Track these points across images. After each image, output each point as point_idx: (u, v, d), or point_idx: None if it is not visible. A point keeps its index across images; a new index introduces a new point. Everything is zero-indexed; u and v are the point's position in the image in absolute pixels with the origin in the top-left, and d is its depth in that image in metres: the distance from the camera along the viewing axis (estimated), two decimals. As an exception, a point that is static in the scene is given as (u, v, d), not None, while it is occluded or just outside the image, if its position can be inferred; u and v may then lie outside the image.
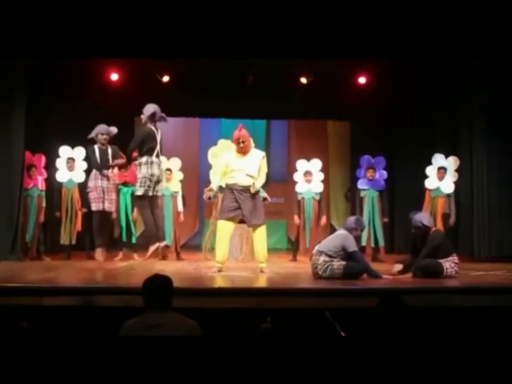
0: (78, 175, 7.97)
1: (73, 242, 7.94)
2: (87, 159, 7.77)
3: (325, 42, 4.99)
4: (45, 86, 8.36)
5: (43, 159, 7.99)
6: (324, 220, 8.20)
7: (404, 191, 8.94)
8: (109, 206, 7.43)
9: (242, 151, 6.09)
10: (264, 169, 6.23)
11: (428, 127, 9.31)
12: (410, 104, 9.45)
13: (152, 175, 6.74)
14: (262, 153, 6.26)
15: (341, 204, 10.73)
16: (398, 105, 9.63)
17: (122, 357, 2.56)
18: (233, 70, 8.82)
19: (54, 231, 8.20)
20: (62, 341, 2.66)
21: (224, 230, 6.11)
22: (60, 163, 7.97)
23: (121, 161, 7.59)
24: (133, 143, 6.89)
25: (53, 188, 8.07)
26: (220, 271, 6.05)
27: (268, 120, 11.18)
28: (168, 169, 7.95)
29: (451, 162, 8.07)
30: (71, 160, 7.94)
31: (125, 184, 7.88)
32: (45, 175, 8.01)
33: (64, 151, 8.00)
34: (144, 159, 6.74)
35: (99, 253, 7.33)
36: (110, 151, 7.47)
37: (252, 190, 6.01)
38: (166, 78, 9.19)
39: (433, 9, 4.95)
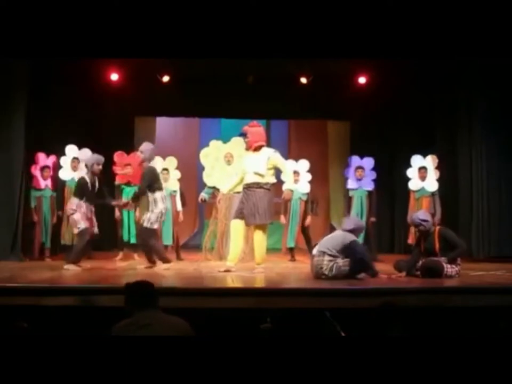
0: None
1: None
2: (77, 190, 6.67)
3: (325, 42, 4.98)
4: (45, 86, 8.35)
5: (54, 160, 7.98)
6: (308, 219, 8.17)
7: (404, 192, 8.92)
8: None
9: (247, 146, 6.20)
10: (281, 163, 6.27)
11: (427, 127, 9.30)
12: (410, 104, 9.44)
13: (166, 209, 6.59)
14: (270, 150, 6.24)
15: (341, 204, 10.69)
16: (398, 105, 9.64)
17: (122, 357, 2.56)
18: (233, 70, 8.82)
19: (55, 230, 8.18)
20: (62, 341, 2.66)
21: (236, 229, 6.12)
22: (65, 161, 7.97)
23: (124, 202, 7.11)
24: (145, 183, 6.46)
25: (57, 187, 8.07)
26: (227, 270, 6.02)
27: (268, 120, 11.17)
28: (165, 169, 7.94)
29: (430, 161, 8.08)
30: (76, 160, 7.94)
31: (127, 184, 7.86)
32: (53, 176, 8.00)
33: (71, 150, 8.00)
34: (158, 195, 6.43)
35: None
36: (97, 183, 6.67)
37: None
38: (166, 78, 9.18)
39: (433, 9, 4.95)
